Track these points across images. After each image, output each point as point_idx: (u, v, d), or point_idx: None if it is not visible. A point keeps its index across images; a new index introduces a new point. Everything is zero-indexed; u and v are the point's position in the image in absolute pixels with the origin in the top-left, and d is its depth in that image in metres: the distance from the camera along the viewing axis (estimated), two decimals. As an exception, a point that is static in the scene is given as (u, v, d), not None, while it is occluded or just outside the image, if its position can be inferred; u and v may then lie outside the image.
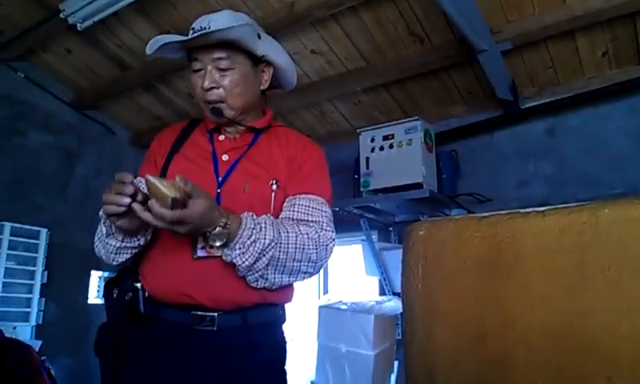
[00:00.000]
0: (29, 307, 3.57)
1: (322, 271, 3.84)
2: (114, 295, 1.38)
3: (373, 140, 3.09)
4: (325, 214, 1.39)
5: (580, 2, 2.53)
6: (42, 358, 3.12)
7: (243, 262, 1.23)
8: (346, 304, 3.05)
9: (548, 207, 0.87)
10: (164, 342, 1.30)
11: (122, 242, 1.32)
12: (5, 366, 2.47)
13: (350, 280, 3.96)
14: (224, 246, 1.22)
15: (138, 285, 1.35)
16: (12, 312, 3.46)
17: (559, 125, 3.15)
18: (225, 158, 1.43)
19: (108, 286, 1.43)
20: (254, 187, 1.37)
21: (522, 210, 0.89)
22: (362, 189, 3.09)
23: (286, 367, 1.44)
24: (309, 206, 1.38)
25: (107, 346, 1.38)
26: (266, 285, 1.29)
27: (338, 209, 2.99)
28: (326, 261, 1.38)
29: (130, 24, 3.34)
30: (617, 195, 2.71)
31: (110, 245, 1.33)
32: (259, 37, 1.43)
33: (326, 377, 2.88)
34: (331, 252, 1.37)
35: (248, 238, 1.22)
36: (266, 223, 1.26)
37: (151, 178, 1.11)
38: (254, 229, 1.23)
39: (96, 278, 4.21)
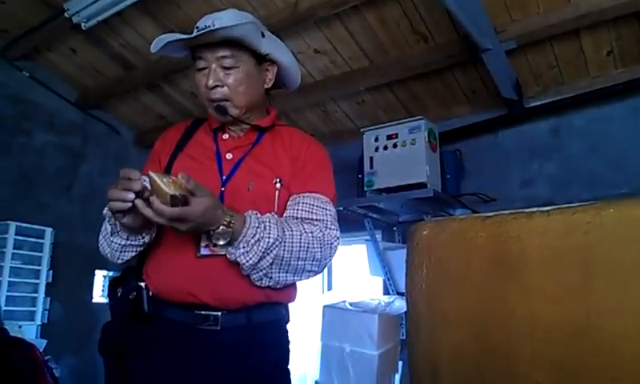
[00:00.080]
0: (34, 306, 3.59)
1: (325, 271, 3.85)
2: (119, 294, 1.39)
3: (377, 139, 3.09)
4: (329, 213, 1.39)
5: (585, 0, 2.52)
6: (47, 357, 3.13)
7: (247, 261, 1.23)
8: (350, 304, 3.05)
9: (552, 207, 0.86)
10: (168, 341, 1.31)
11: (127, 240, 1.32)
12: (9, 364, 2.47)
13: (353, 280, 3.96)
14: (228, 244, 1.23)
15: (142, 284, 1.35)
16: (17, 311, 3.48)
17: (564, 124, 3.14)
18: (229, 156, 1.43)
19: (112, 285, 1.43)
20: (258, 186, 1.37)
21: (526, 210, 0.88)
22: (365, 188, 3.09)
23: (290, 367, 1.44)
24: (313, 205, 1.38)
25: (111, 345, 1.38)
26: (271, 283, 1.29)
27: (341, 208, 2.99)
28: (331, 259, 1.38)
29: (134, 23, 3.35)
30: (621, 195, 2.70)
31: (115, 243, 1.34)
32: (263, 35, 1.44)
33: (329, 376, 2.88)
34: (335, 251, 1.37)
35: (252, 237, 1.22)
36: (270, 222, 1.26)
37: (153, 175, 1.12)
38: (258, 227, 1.23)
39: (101, 277, 4.23)
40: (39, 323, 3.59)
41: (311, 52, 3.28)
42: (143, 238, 1.34)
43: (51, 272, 3.71)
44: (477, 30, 2.51)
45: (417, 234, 1.01)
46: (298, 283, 1.42)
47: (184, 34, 1.37)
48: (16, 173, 3.77)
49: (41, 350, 3.09)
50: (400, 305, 3.02)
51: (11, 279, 3.46)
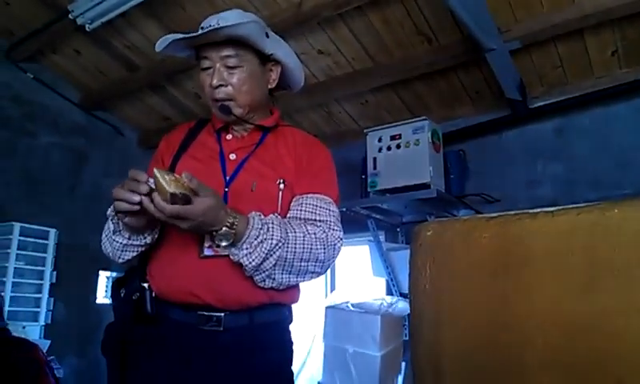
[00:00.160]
0: (38, 307, 3.60)
1: (328, 272, 3.85)
2: (122, 295, 1.39)
3: (380, 140, 3.08)
4: (332, 214, 1.39)
5: (589, 0, 2.51)
6: (50, 358, 3.14)
7: (250, 262, 1.23)
8: (352, 305, 3.05)
9: (557, 207, 0.86)
10: (171, 341, 1.30)
11: (129, 239, 1.32)
12: (12, 363, 2.49)
13: (357, 281, 3.96)
14: (231, 245, 1.22)
15: (146, 285, 1.35)
16: (21, 312, 3.49)
17: (568, 125, 3.13)
18: (232, 157, 1.43)
19: (116, 286, 1.44)
20: (262, 186, 1.37)
21: (530, 211, 0.88)
22: (369, 189, 3.09)
23: (293, 368, 1.44)
24: (316, 206, 1.38)
25: (114, 345, 1.38)
26: (274, 285, 1.29)
27: (345, 209, 2.99)
28: (334, 260, 1.37)
29: (138, 25, 3.36)
30: (626, 195, 2.69)
31: (117, 242, 1.34)
32: (267, 36, 1.44)
33: (332, 377, 2.88)
34: (339, 252, 1.37)
35: (255, 238, 1.22)
36: (273, 223, 1.26)
37: (156, 172, 1.12)
38: (261, 229, 1.23)
39: (104, 278, 4.24)
40: (43, 324, 3.60)
41: (315, 53, 3.28)
42: (145, 238, 1.34)
43: (55, 273, 3.72)
44: (480, 30, 2.51)
45: (420, 234, 1.00)
46: (301, 284, 1.42)
47: (188, 33, 1.37)
48: (20, 174, 3.79)
49: (44, 351, 3.10)
50: (403, 306, 3.02)
51: (15, 280, 3.47)
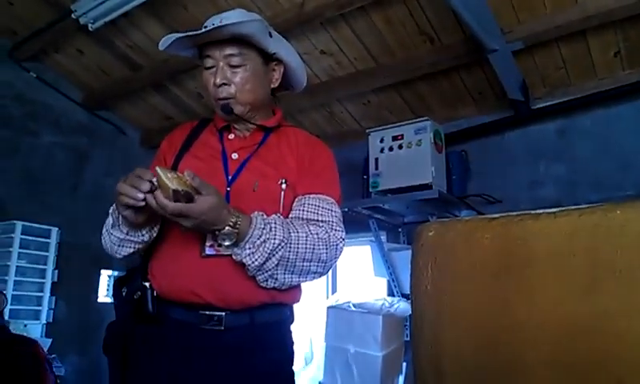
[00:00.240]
0: (39, 305, 3.61)
1: (330, 272, 3.85)
2: (123, 294, 1.39)
3: (382, 140, 3.08)
4: (334, 214, 1.39)
5: (592, 1, 2.51)
6: (52, 356, 3.16)
7: (253, 262, 1.23)
8: (354, 305, 3.05)
9: (559, 209, 0.86)
10: (172, 341, 1.31)
11: (127, 234, 1.32)
12: (13, 359, 2.50)
13: (358, 281, 3.96)
14: (234, 245, 1.22)
15: (147, 284, 1.35)
16: (23, 310, 3.50)
17: (570, 126, 3.12)
18: (234, 156, 1.43)
19: (117, 285, 1.44)
20: (264, 186, 1.37)
21: (532, 212, 0.88)
22: (370, 189, 3.09)
23: (294, 368, 1.44)
24: (318, 206, 1.38)
25: (116, 344, 1.38)
26: (276, 285, 1.29)
27: (346, 209, 2.98)
28: (336, 261, 1.37)
29: (141, 25, 3.36)
30: (628, 197, 2.68)
31: (114, 236, 1.34)
32: (270, 35, 1.44)
33: (334, 377, 2.88)
34: (341, 252, 1.37)
35: (258, 238, 1.22)
36: (276, 223, 1.26)
37: (159, 169, 1.13)
38: (264, 229, 1.23)
39: (106, 277, 4.25)
40: (44, 322, 3.61)
41: (317, 53, 3.29)
42: (143, 235, 1.34)
43: (57, 271, 3.72)
44: (483, 30, 2.51)
45: (422, 235, 1.00)
46: (302, 284, 1.42)
47: (192, 32, 1.37)
48: (23, 173, 3.80)
49: (45, 349, 3.12)
50: (404, 306, 3.01)
51: (17, 278, 3.48)
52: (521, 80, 3.03)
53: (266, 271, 1.25)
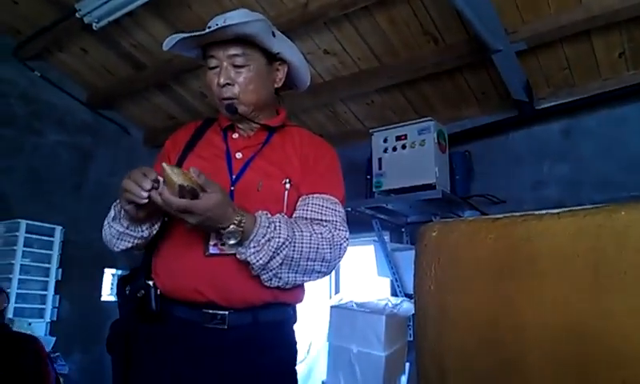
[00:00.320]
0: (43, 304, 3.62)
1: (333, 271, 3.85)
2: (127, 292, 1.39)
3: (385, 140, 3.08)
4: (338, 214, 1.39)
5: (597, 2, 2.50)
6: (56, 354, 3.17)
7: (257, 261, 1.23)
8: (357, 304, 3.05)
9: (563, 209, 0.86)
10: (175, 339, 1.31)
11: (127, 228, 1.33)
12: (16, 357, 2.52)
13: (361, 281, 3.96)
14: (238, 244, 1.23)
15: (151, 282, 1.35)
16: (27, 308, 3.51)
17: (574, 126, 3.12)
18: (238, 156, 1.43)
19: (121, 284, 1.44)
20: (268, 185, 1.37)
21: (536, 212, 0.88)
22: (374, 189, 3.09)
23: (296, 367, 1.44)
24: (322, 206, 1.38)
25: (119, 343, 1.39)
26: (280, 284, 1.29)
27: (350, 209, 2.99)
28: (340, 260, 1.37)
29: (145, 24, 3.37)
30: (633, 197, 2.67)
31: (114, 229, 1.35)
32: (274, 35, 1.44)
33: (337, 377, 2.88)
34: (345, 252, 1.37)
35: (262, 237, 1.22)
36: (280, 222, 1.26)
37: (165, 165, 1.14)
38: (268, 227, 1.23)
39: (109, 276, 4.26)
40: (48, 320, 3.62)
41: (321, 53, 3.29)
42: (142, 231, 1.34)
43: (60, 270, 3.74)
44: (487, 30, 2.50)
45: (426, 235, 1.00)
46: (305, 284, 1.42)
47: (196, 32, 1.38)
48: (27, 172, 3.81)
49: (50, 348, 3.14)
50: (407, 306, 3.01)
51: (21, 277, 3.50)
52: (525, 80, 3.03)
53: (271, 270, 1.25)
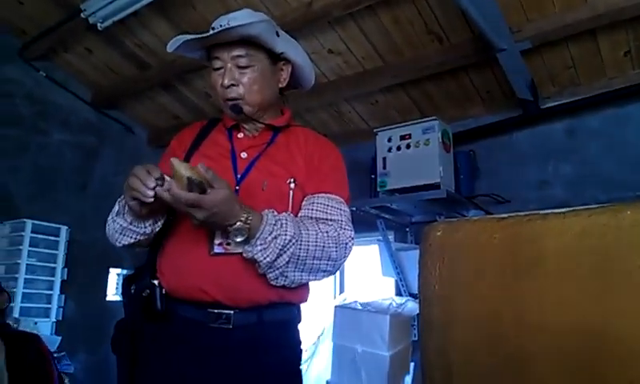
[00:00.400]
0: (49, 303, 3.63)
1: (337, 274, 3.85)
2: (132, 292, 1.40)
3: (390, 140, 3.08)
4: (344, 213, 1.40)
5: (602, 0, 2.49)
6: (61, 353, 3.19)
7: (264, 258, 1.23)
8: (361, 304, 3.05)
9: (568, 209, 0.85)
10: (180, 339, 1.31)
11: (130, 224, 1.34)
12: (17, 355, 2.54)
13: (365, 280, 3.96)
14: (244, 242, 1.23)
15: (156, 282, 1.36)
16: (33, 308, 3.53)
17: (580, 125, 3.11)
18: (243, 155, 1.43)
19: (126, 283, 1.45)
20: (272, 185, 1.37)
21: (541, 212, 0.87)
22: (378, 189, 3.09)
23: (301, 367, 1.44)
24: (327, 205, 1.38)
25: (124, 342, 1.39)
26: (286, 282, 1.29)
27: (354, 209, 2.98)
28: (345, 260, 1.37)
29: (149, 24, 3.38)
30: (638, 197, 2.66)
31: (117, 223, 1.35)
32: (278, 35, 1.44)
33: (341, 377, 2.88)
34: (350, 251, 1.37)
35: (269, 234, 1.22)
36: (286, 220, 1.27)
37: (174, 160, 1.14)
38: (274, 225, 1.23)
39: (115, 275, 4.27)
40: (54, 320, 3.64)
41: (325, 52, 3.29)
42: (145, 227, 1.35)
43: (66, 270, 3.75)
44: (492, 29, 2.50)
45: (430, 234, 1.00)
46: (310, 284, 1.42)
47: (199, 34, 1.38)
48: (32, 171, 3.83)
49: (55, 347, 3.16)
50: (412, 306, 3.01)
51: (27, 276, 3.51)
52: (529, 79, 3.02)
53: (277, 268, 1.25)
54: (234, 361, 1.29)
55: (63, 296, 3.72)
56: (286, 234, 1.23)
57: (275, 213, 1.27)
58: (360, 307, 3.01)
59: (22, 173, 3.76)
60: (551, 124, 3.20)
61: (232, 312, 1.29)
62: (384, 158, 3.08)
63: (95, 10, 3.02)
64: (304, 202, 1.40)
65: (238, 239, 1.21)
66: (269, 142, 1.47)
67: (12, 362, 2.50)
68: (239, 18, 1.37)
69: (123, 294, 1.46)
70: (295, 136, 1.51)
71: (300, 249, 1.26)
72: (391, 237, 3.52)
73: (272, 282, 1.28)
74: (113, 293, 4.24)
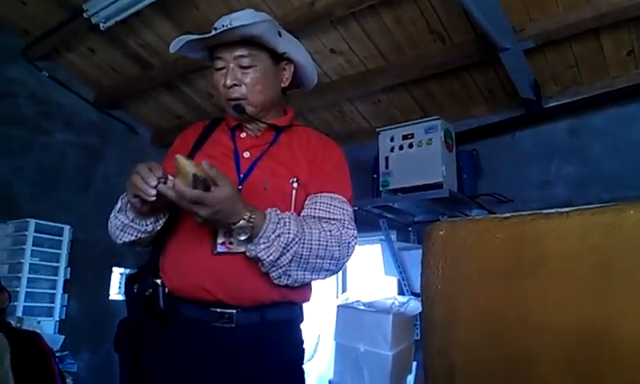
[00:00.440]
0: (52, 303, 3.64)
1: (340, 273, 3.85)
2: (135, 291, 1.40)
3: (392, 139, 3.08)
4: (346, 213, 1.40)
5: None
6: (65, 352, 3.20)
7: (268, 256, 1.23)
8: (364, 303, 3.05)
9: (571, 208, 0.85)
10: (183, 338, 1.31)
11: (131, 221, 1.34)
12: (19, 353, 2.55)
13: (368, 280, 3.96)
14: (247, 240, 1.23)
15: (159, 281, 1.36)
16: (36, 307, 3.53)
17: (583, 125, 3.10)
18: (246, 155, 1.44)
19: (129, 282, 1.45)
20: (275, 184, 1.38)
21: (544, 211, 0.87)
22: (381, 188, 3.08)
23: (304, 366, 1.44)
24: (330, 204, 1.38)
25: (127, 341, 1.39)
26: (289, 282, 1.29)
27: (357, 208, 2.98)
28: (348, 259, 1.37)
29: (152, 24, 3.38)
30: (642, 197, 2.65)
31: (118, 220, 1.36)
32: (280, 35, 1.44)
33: (343, 376, 2.88)
34: (353, 250, 1.37)
35: (272, 232, 1.22)
36: (289, 218, 1.27)
37: (178, 156, 1.14)
38: (277, 223, 1.23)
39: (117, 274, 4.28)
40: (57, 319, 3.65)
41: (327, 52, 3.29)
42: (146, 225, 1.35)
43: (69, 269, 3.76)
44: (495, 29, 2.49)
45: (433, 234, 1.00)
46: (313, 283, 1.42)
47: (202, 34, 1.38)
48: (35, 171, 3.84)
49: (58, 346, 3.17)
50: (414, 305, 3.01)
51: (30, 276, 3.52)
52: (532, 79, 3.01)
53: (280, 267, 1.25)
54: (237, 360, 1.29)
55: (66, 295, 3.72)
56: (289, 233, 1.23)
57: (278, 211, 1.28)
58: (362, 307, 3.01)
59: (25, 172, 3.77)
60: (554, 123, 3.19)
61: (235, 311, 1.29)
62: (386, 158, 3.08)
63: (98, 10, 3.03)
64: (307, 202, 1.40)
65: (242, 237, 1.21)
66: (271, 142, 1.47)
67: (15, 360, 2.51)
68: (242, 18, 1.37)
69: (126, 293, 1.46)
70: (298, 136, 1.51)
71: (303, 247, 1.26)
72: (394, 236, 3.51)
73: (275, 281, 1.28)
74: (116, 292, 4.25)
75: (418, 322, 3.04)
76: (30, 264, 3.53)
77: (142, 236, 1.38)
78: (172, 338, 1.33)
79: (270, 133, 1.49)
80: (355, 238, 1.38)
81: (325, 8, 2.84)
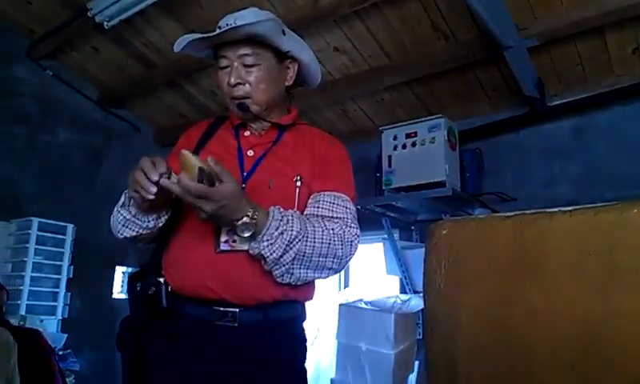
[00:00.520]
0: (55, 301, 3.66)
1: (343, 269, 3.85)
2: (138, 289, 1.40)
3: (395, 138, 3.07)
4: (349, 211, 1.40)
5: (610, -3, 2.48)
6: (67, 351, 3.21)
7: (271, 254, 1.23)
8: (366, 302, 3.04)
9: (574, 207, 0.85)
10: (186, 336, 1.32)
11: (133, 216, 1.34)
12: (21, 351, 2.56)
13: (370, 279, 3.95)
14: (251, 238, 1.23)
15: (161, 279, 1.36)
16: (39, 305, 3.55)
17: (587, 123, 3.09)
18: (250, 153, 1.44)
19: (132, 281, 1.45)
20: (279, 183, 1.38)
21: (547, 210, 0.87)
22: (384, 187, 3.08)
23: (306, 365, 1.44)
24: (333, 203, 1.38)
25: (129, 340, 1.39)
26: (292, 280, 1.29)
27: (359, 207, 2.97)
28: (351, 257, 1.37)
29: (156, 23, 3.39)
30: (646, 196, 2.64)
31: (120, 215, 1.36)
32: (284, 33, 1.44)
33: (346, 375, 2.88)
34: (356, 249, 1.37)
35: (276, 229, 1.22)
36: (292, 216, 1.27)
37: (184, 151, 1.15)
38: (281, 221, 1.24)
39: (120, 273, 4.29)
40: (60, 318, 3.66)
41: (331, 50, 3.28)
42: (148, 221, 1.35)
43: (72, 268, 3.77)
44: (499, 27, 2.49)
45: (436, 233, 1.00)
46: (316, 282, 1.42)
47: (206, 33, 1.38)
48: (39, 170, 3.85)
49: (61, 344, 3.18)
50: (416, 304, 3.01)
51: (34, 274, 3.53)
52: (536, 77, 3.00)
53: (283, 265, 1.25)
54: (240, 358, 1.29)
55: (69, 294, 3.73)
56: (292, 230, 1.23)
57: (281, 209, 1.28)
58: (365, 305, 3.01)
59: (28, 171, 3.78)
60: (558, 122, 3.18)
61: (237, 310, 1.29)
62: (389, 156, 3.07)
63: (102, 9, 3.04)
64: (310, 200, 1.40)
65: (245, 234, 1.21)
66: (275, 140, 1.47)
67: (18, 358, 2.52)
68: (246, 17, 1.37)
69: (129, 291, 1.46)
70: (301, 134, 1.51)
71: (306, 245, 1.26)
72: (396, 235, 3.51)
73: (278, 280, 1.28)
74: (118, 290, 4.26)
75: (421, 321, 3.04)
76: (33, 263, 3.54)
77: (144, 232, 1.38)
78: (174, 336, 1.33)
79: (273, 131, 1.49)
80: (358, 236, 1.37)
81: (328, 6, 2.84)
